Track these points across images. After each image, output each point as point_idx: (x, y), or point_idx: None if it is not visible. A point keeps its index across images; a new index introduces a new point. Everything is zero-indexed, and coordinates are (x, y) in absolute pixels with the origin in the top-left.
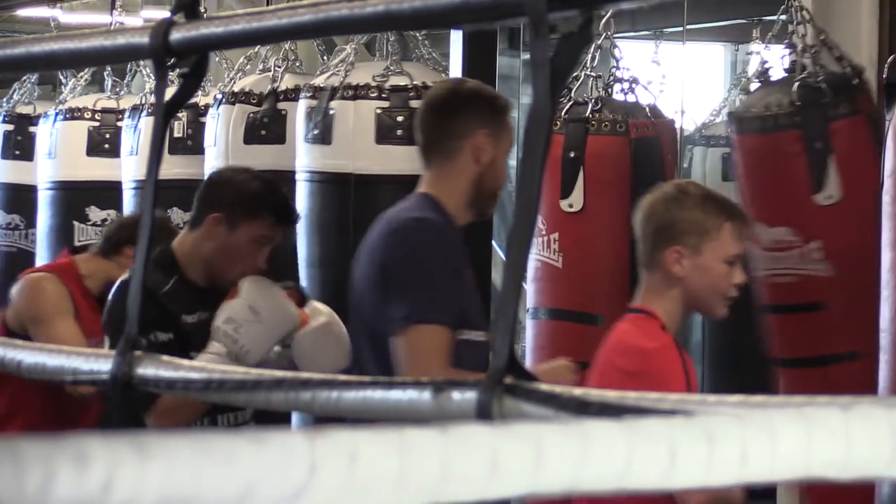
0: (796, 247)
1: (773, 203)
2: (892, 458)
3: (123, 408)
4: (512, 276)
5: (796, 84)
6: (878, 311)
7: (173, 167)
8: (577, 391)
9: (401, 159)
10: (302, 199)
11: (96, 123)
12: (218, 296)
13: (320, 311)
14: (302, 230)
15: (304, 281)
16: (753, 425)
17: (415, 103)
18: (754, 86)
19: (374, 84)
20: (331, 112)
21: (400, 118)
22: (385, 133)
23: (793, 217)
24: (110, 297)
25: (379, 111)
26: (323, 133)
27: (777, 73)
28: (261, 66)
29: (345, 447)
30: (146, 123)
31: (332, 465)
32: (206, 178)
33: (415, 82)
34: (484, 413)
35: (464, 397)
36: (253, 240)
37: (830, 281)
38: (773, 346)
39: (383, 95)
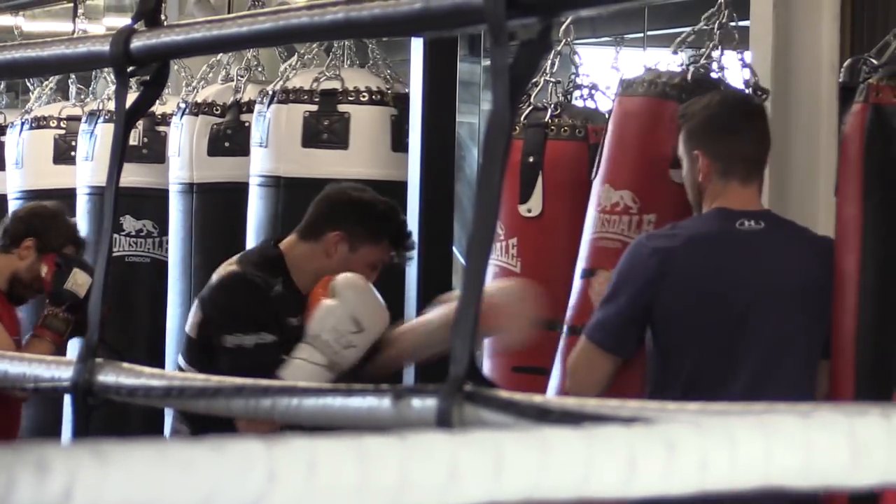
0: (631, 214)
1: (626, 166)
2: (850, 465)
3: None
4: (472, 282)
5: (692, 67)
6: None
7: (128, 175)
8: (538, 398)
9: (326, 163)
10: (252, 202)
11: (62, 131)
12: None
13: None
14: (251, 231)
15: None
16: (713, 433)
17: (343, 107)
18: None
19: (307, 88)
20: (268, 116)
21: (326, 122)
22: (311, 137)
23: (640, 184)
24: (223, 291)
25: (307, 115)
26: (262, 137)
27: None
28: (223, 74)
29: (303, 455)
30: (102, 130)
31: (291, 472)
32: (326, 191)
33: (346, 86)
34: (444, 420)
35: (424, 405)
36: (370, 263)
37: None
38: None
39: (315, 99)
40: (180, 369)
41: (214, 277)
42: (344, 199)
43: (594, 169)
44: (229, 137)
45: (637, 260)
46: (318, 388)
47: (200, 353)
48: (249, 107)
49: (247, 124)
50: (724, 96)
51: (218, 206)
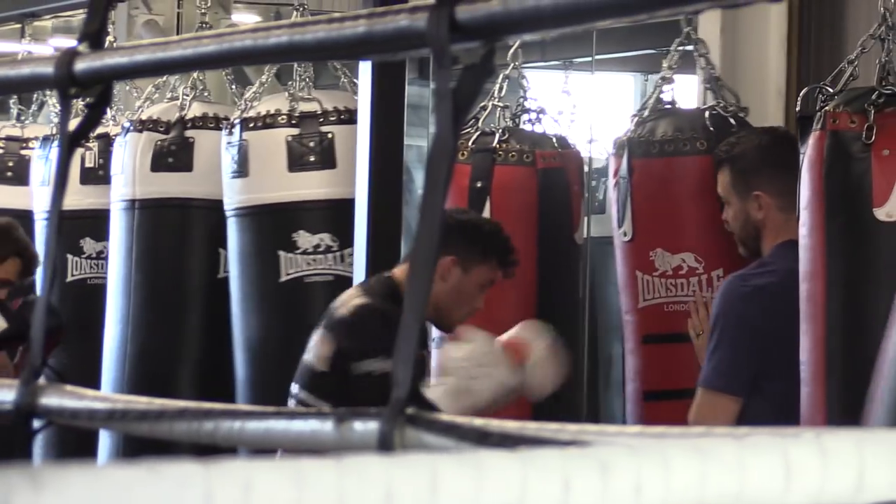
0: (698, 274)
1: (677, 228)
2: (784, 488)
3: (27, 438)
4: (414, 306)
5: (707, 112)
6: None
7: (86, 197)
8: (478, 421)
9: (315, 185)
10: (232, 237)
11: (0, 151)
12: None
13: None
14: (232, 263)
15: (236, 319)
16: (648, 456)
17: (326, 128)
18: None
19: (284, 111)
20: (244, 144)
21: (311, 143)
22: (297, 160)
23: (698, 244)
24: (358, 321)
25: (290, 139)
26: (240, 166)
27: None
28: (169, 95)
29: (240, 477)
30: (57, 153)
31: (227, 494)
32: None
33: (325, 107)
34: (385, 444)
35: (366, 428)
36: (482, 284)
37: None
38: (640, 377)
39: (293, 122)
40: (303, 403)
41: (343, 311)
42: (452, 222)
43: (619, 228)
44: (173, 153)
45: (740, 300)
46: (261, 412)
47: (336, 386)
48: (194, 123)
49: (191, 140)
50: (768, 133)
51: (160, 223)
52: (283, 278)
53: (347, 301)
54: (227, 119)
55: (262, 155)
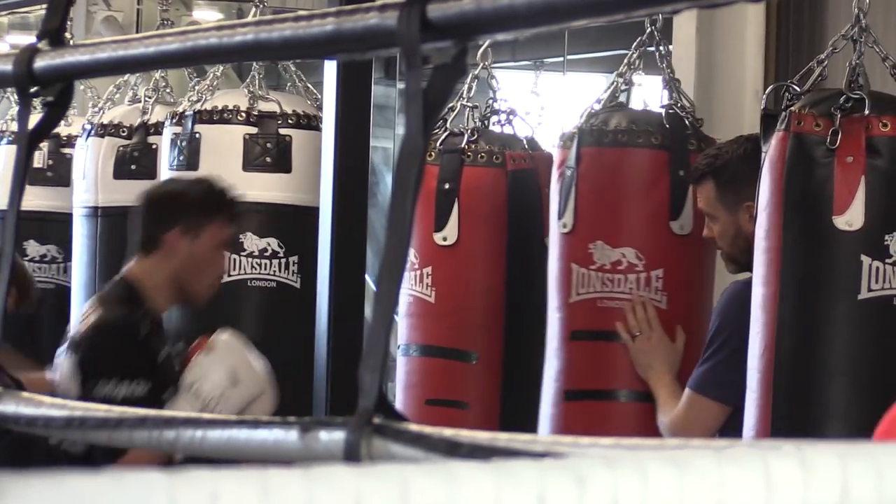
0: (638, 271)
1: (621, 222)
2: (765, 501)
3: None
4: (382, 311)
5: (665, 111)
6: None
7: (33, 198)
8: (448, 432)
9: (268, 187)
10: None
11: None
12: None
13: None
14: None
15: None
16: (625, 468)
17: (284, 131)
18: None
19: (242, 108)
20: (196, 136)
21: (269, 144)
22: (252, 159)
23: (641, 240)
24: (92, 339)
25: (247, 137)
26: (189, 158)
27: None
28: (130, 95)
29: (205, 487)
30: (5, 151)
31: None
32: (142, 200)
33: (284, 109)
34: (352, 454)
35: (331, 438)
36: (218, 245)
37: (663, 314)
38: (563, 375)
39: (251, 120)
40: None
41: (80, 329)
42: (162, 195)
43: (559, 220)
44: (136, 160)
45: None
46: (224, 420)
47: None
48: (157, 128)
49: (154, 146)
50: (750, 140)
51: (124, 232)
52: (225, 279)
53: (85, 317)
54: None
55: (216, 150)
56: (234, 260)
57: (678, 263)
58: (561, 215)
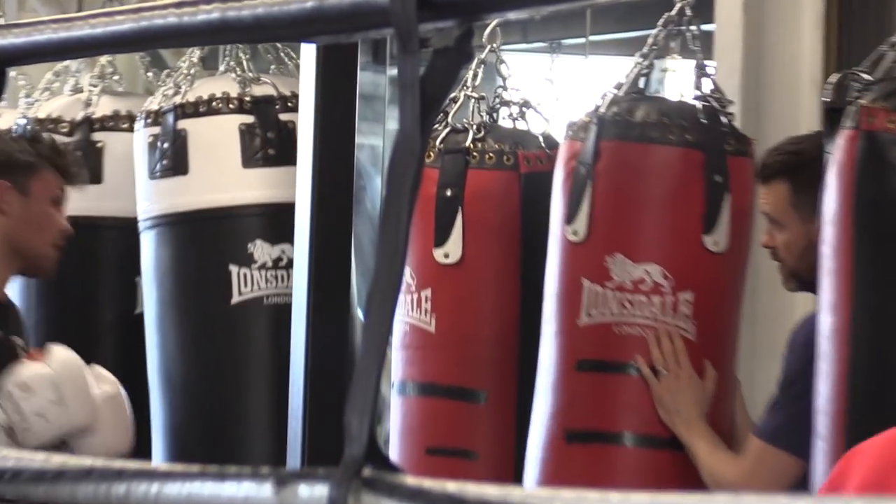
0: (663, 293)
1: (646, 233)
2: None
3: None
4: (372, 343)
5: (700, 102)
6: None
7: None
8: (452, 486)
9: (275, 184)
10: (150, 251)
11: None
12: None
13: (105, 379)
14: (153, 287)
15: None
16: None
17: (285, 117)
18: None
19: (233, 95)
20: (181, 134)
21: (270, 134)
22: (253, 154)
23: (668, 256)
24: None
25: (243, 127)
26: (175, 161)
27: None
28: (71, 84)
29: None
30: None
31: None
32: None
33: (282, 92)
34: None
35: (313, 493)
36: (51, 199)
37: (691, 346)
38: (564, 412)
39: (245, 108)
40: None
41: None
42: None
43: (568, 225)
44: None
45: None
46: (184, 472)
47: None
48: (103, 123)
49: (99, 144)
50: (815, 136)
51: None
52: (236, 299)
53: None
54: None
55: (207, 147)
56: (244, 275)
57: (710, 286)
58: (570, 220)
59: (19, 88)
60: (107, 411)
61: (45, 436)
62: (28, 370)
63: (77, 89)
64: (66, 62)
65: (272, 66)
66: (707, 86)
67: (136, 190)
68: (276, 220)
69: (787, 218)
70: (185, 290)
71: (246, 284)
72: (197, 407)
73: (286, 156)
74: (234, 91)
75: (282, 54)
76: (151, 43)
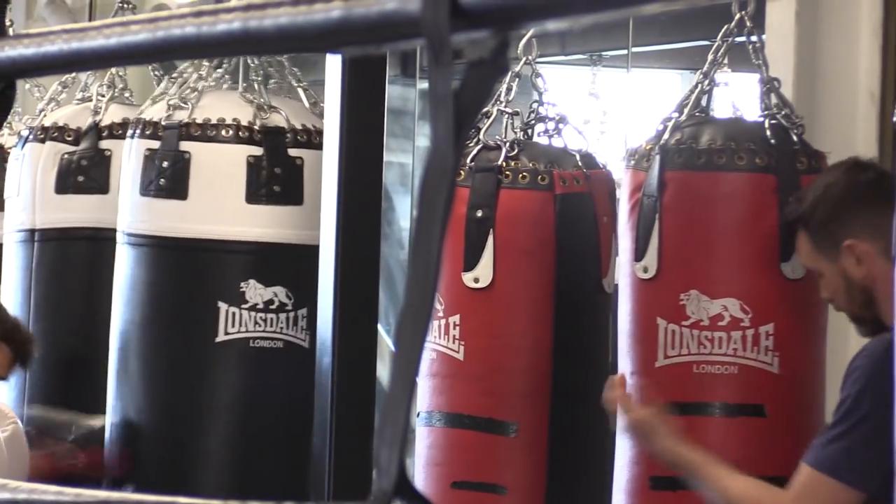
0: (743, 327)
1: (720, 266)
2: None
3: None
4: (403, 371)
5: (767, 121)
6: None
7: None
8: None
9: (277, 223)
10: (128, 268)
11: None
12: None
13: (5, 416)
14: (126, 305)
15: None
16: None
17: (294, 152)
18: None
19: (244, 122)
20: (184, 156)
21: (278, 170)
22: (258, 189)
23: (746, 288)
24: None
25: (251, 160)
26: (174, 184)
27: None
28: (80, 95)
29: None
30: None
31: None
32: None
33: (293, 124)
34: None
35: None
36: None
37: (774, 380)
38: (646, 458)
39: (255, 139)
40: None
41: None
42: None
43: (637, 262)
44: (84, 170)
45: (889, 370)
46: None
47: None
48: (112, 131)
49: (107, 153)
50: (835, 169)
51: (66, 259)
52: (221, 338)
53: None
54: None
55: (211, 176)
56: (234, 314)
57: (791, 316)
58: (639, 257)
59: (34, 101)
60: (7, 452)
61: None
62: None
63: (86, 98)
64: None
65: (273, 82)
66: (769, 101)
67: (121, 199)
68: (272, 260)
69: (818, 264)
70: (165, 319)
71: (233, 325)
72: (158, 439)
73: (292, 194)
74: (244, 117)
75: (289, 74)
76: (168, 54)
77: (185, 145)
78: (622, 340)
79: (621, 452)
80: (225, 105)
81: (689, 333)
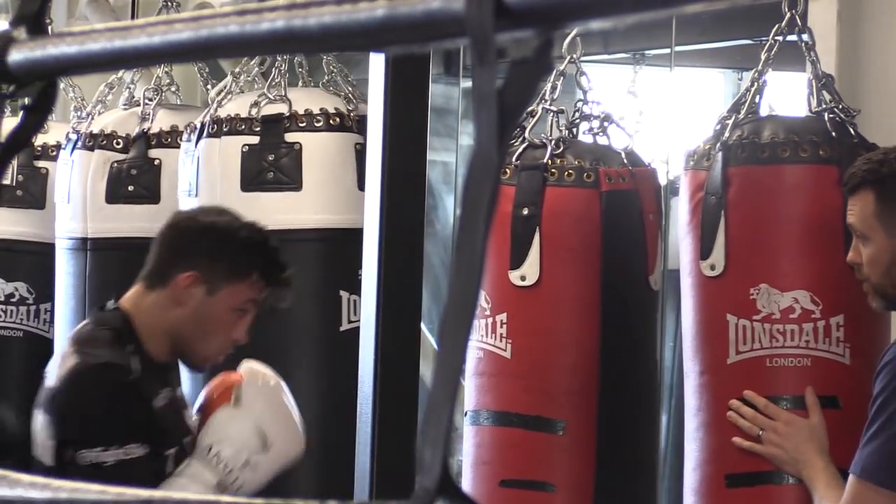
0: (814, 319)
1: (789, 259)
2: None
3: None
4: (446, 369)
5: (826, 115)
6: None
7: None
8: None
9: (273, 210)
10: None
11: None
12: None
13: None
14: None
15: None
16: None
17: (292, 137)
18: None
19: (244, 116)
20: (196, 156)
21: (271, 157)
22: (253, 177)
23: (816, 279)
24: (67, 393)
25: (246, 149)
26: (192, 183)
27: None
28: (125, 97)
29: None
30: None
31: None
32: (172, 220)
33: (295, 109)
34: None
35: None
36: (237, 307)
37: (846, 371)
38: (719, 456)
39: (254, 129)
40: None
41: (54, 380)
42: (193, 226)
43: (704, 261)
44: (134, 179)
45: None
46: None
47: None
48: (160, 139)
49: (157, 162)
50: None
51: (118, 268)
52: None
53: (61, 361)
54: None
55: (216, 169)
56: None
57: (860, 306)
58: (706, 255)
59: (69, 101)
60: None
61: (257, 483)
62: (224, 422)
63: (132, 102)
64: (120, 73)
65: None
66: (823, 96)
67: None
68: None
69: (872, 231)
70: None
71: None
72: None
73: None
74: (244, 110)
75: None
76: (212, 52)
77: (201, 144)
78: (688, 341)
79: (691, 454)
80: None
81: (760, 328)
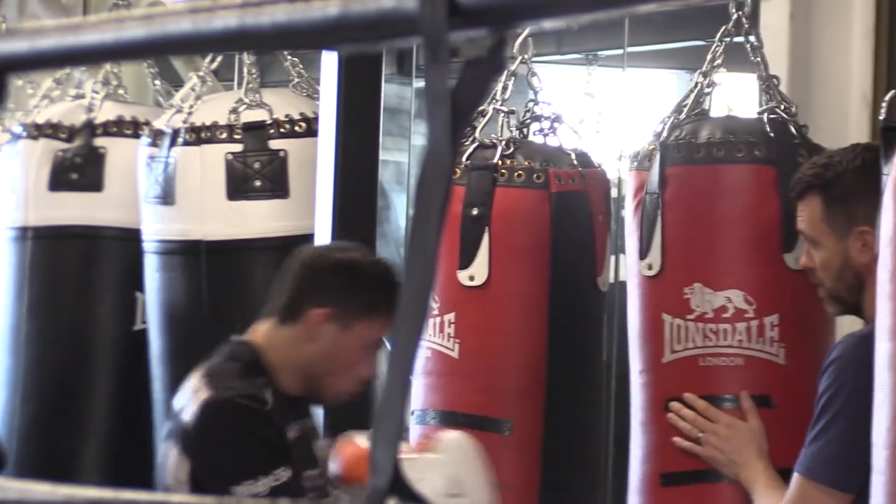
0: (748, 318)
1: (723, 258)
2: None
3: None
4: (398, 370)
5: (766, 115)
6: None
7: None
8: None
9: (261, 217)
10: (149, 276)
11: None
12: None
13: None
14: (152, 315)
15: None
16: None
17: (276, 144)
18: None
19: (222, 123)
20: (170, 162)
21: (257, 164)
22: (238, 186)
23: (750, 279)
24: (210, 429)
25: (230, 157)
26: (165, 191)
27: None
28: (74, 92)
29: None
30: None
31: None
32: (303, 256)
33: (275, 116)
34: None
35: None
36: (368, 343)
37: (780, 371)
38: (656, 455)
39: (235, 136)
40: None
41: (187, 415)
42: (325, 262)
43: (642, 260)
44: (78, 168)
45: (866, 369)
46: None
47: None
48: (106, 129)
49: (102, 151)
50: (869, 151)
51: (60, 258)
52: None
53: (192, 395)
54: (147, 124)
55: (195, 177)
56: None
57: (796, 306)
58: (644, 255)
59: (26, 97)
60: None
61: None
62: (423, 464)
63: (80, 95)
64: (67, 69)
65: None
66: (768, 98)
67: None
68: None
69: (822, 235)
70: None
71: None
72: None
73: (276, 187)
74: (222, 118)
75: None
76: (164, 50)
77: (173, 151)
78: (632, 341)
79: (633, 452)
80: (211, 108)
81: (694, 327)
